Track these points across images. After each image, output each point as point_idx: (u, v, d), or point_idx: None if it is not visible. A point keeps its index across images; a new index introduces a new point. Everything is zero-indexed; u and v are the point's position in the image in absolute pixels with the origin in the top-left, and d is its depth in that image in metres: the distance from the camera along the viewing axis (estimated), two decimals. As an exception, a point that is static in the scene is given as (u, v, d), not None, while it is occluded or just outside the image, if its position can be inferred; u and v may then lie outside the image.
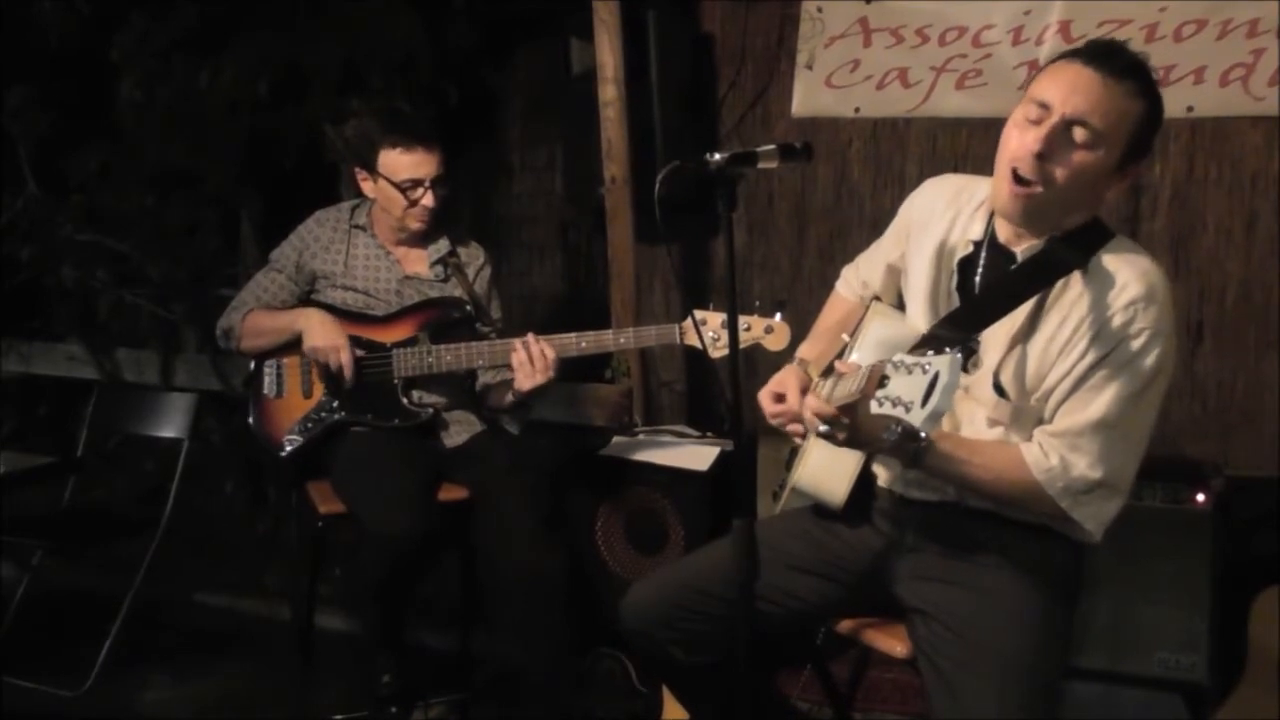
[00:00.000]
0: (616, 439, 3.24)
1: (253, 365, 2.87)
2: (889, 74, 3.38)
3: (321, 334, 2.74)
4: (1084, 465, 1.77)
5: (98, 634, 3.19)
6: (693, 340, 2.56)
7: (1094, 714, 2.68)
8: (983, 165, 1.84)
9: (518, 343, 2.65)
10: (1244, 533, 2.75)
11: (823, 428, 1.76)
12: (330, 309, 2.82)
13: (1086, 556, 1.95)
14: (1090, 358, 1.76)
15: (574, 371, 2.92)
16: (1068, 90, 1.71)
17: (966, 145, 3.30)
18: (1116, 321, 1.74)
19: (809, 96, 3.51)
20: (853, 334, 2.08)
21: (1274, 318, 3.02)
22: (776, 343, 2.53)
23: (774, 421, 2.00)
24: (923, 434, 1.46)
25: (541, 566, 2.61)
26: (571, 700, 2.75)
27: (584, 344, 2.67)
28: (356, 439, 2.78)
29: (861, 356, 1.98)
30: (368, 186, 2.84)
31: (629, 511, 3.08)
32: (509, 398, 2.75)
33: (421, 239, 2.90)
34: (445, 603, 3.29)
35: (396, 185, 2.77)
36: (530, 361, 2.63)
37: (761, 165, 1.73)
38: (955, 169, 2.77)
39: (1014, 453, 1.81)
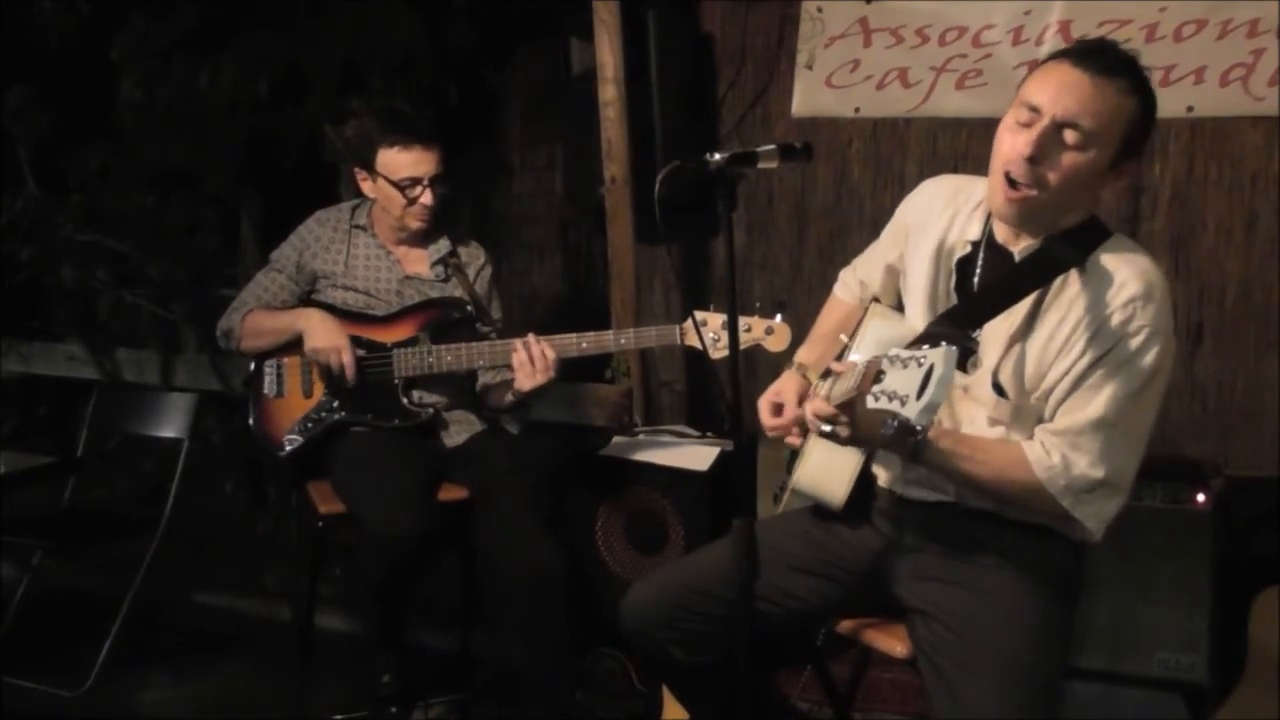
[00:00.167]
0: (616, 439, 3.24)
1: (253, 365, 2.87)
2: (889, 74, 3.38)
3: (323, 334, 2.74)
4: (1085, 464, 1.77)
5: (98, 634, 3.19)
6: (693, 341, 2.57)
7: (1094, 714, 2.68)
8: (983, 165, 1.84)
9: (518, 343, 2.65)
10: (1244, 533, 2.75)
11: (825, 428, 1.76)
12: (331, 309, 2.82)
13: (1086, 556, 1.95)
14: (1089, 356, 1.76)
15: (574, 371, 2.92)
16: (1057, 92, 1.71)
17: (966, 145, 3.30)
18: (1115, 320, 1.74)
19: (809, 96, 3.51)
20: (851, 335, 2.08)
21: (1274, 318, 3.02)
22: (777, 344, 2.53)
23: (771, 433, 2.01)
24: (918, 427, 1.46)
25: (541, 566, 2.61)
26: (571, 700, 2.75)
27: (584, 344, 2.67)
28: (356, 439, 2.78)
29: (861, 357, 1.97)
30: (367, 186, 2.84)
31: (629, 511, 3.08)
32: (509, 397, 2.76)
33: (422, 239, 2.90)
34: (445, 603, 3.29)
35: (395, 184, 2.77)
36: (530, 362, 2.63)
37: (761, 165, 1.73)
38: (955, 169, 2.78)
39: (1016, 451, 1.81)
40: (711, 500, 2.94)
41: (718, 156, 1.68)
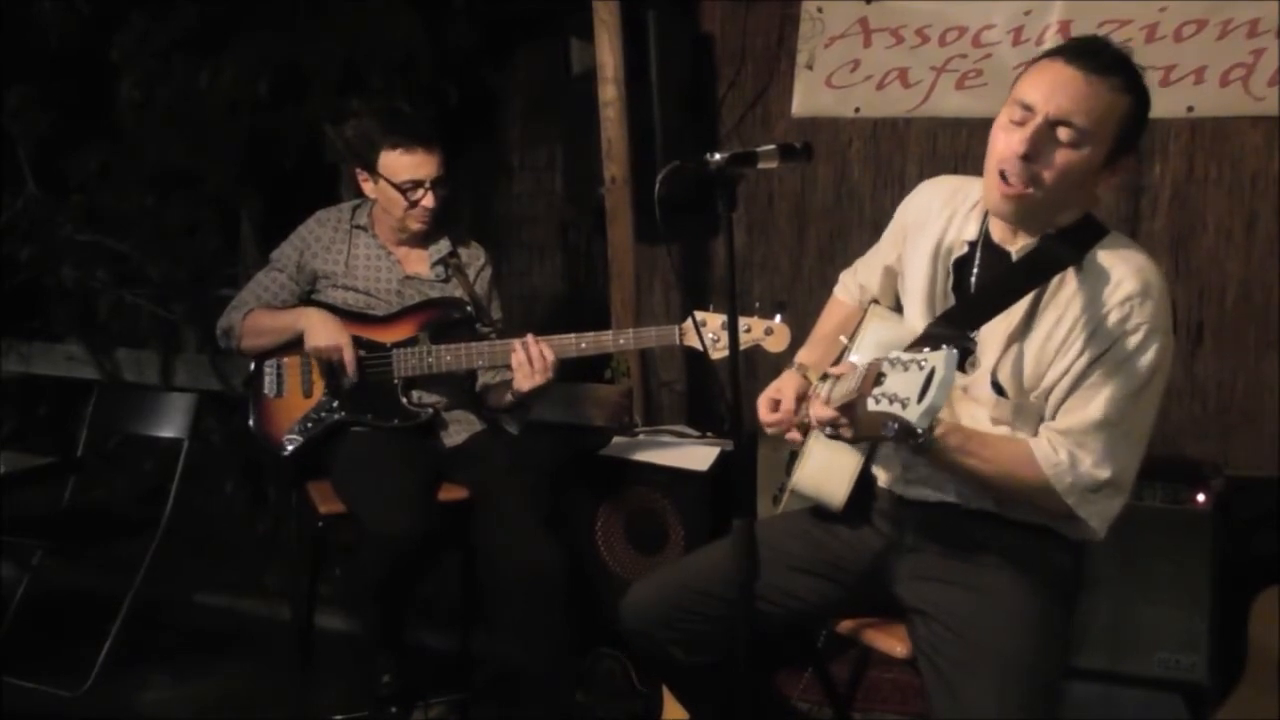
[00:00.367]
0: (616, 439, 3.24)
1: (253, 365, 2.87)
2: (889, 74, 3.38)
3: (324, 333, 2.74)
4: (1090, 464, 1.77)
5: (98, 634, 3.19)
6: (693, 342, 2.56)
7: (1094, 714, 2.68)
8: (982, 165, 1.84)
9: (517, 343, 2.65)
10: (1244, 533, 2.75)
11: (827, 430, 1.76)
12: (331, 309, 2.82)
13: (1086, 557, 1.95)
14: (1088, 355, 1.76)
15: (574, 371, 2.92)
16: (1050, 90, 1.71)
17: (966, 145, 3.30)
18: (1113, 318, 1.74)
19: (809, 96, 3.51)
20: (851, 336, 2.08)
21: (1274, 318, 3.02)
22: (776, 344, 2.53)
23: (770, 430, 2.01)
24: (919, 430, 1.46)
25: (541, 566, 2.61)
26: (571, 700, 2.75)
27: (584, 345, 2.67)
28: (356, 439, 2.78)
29: (860, 358, 1.98)
30: (368, 187, 2.84)
31: (629, 511, 3.08)
32: (509, 397, 2.76)
33: (422, 239, 2.90)
34: (445, 603, 3.29)
35: (396, 186, 2.77)
36: (529, 362, 2.63)
37: (761, 165, 1.73)
38: (955, 169, 2.77)
39: (1023, 447, 1.81)
40: (711, 500, 2.94)
41: (718, 156, 1.68)
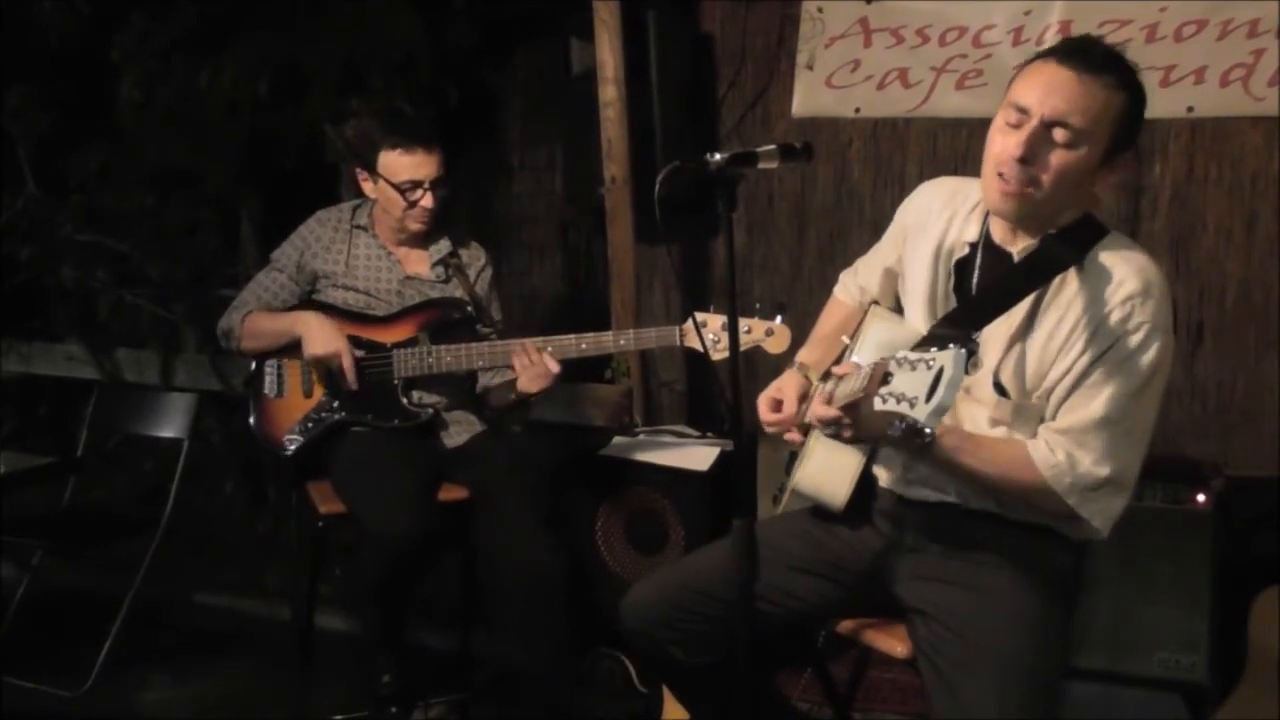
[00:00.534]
0: (616, 439, 3.24)
1: (253, 365, 2.87)
2: (889, 74, 3.38)
3: (322, 340, 2.73)
4: (1090, 462, 1.77)
5: (98, 634, 3.19)
6: (693, 342, 2.56)
7: (1094, 714, 2.68)
8: (982, 166, 1.84)
9: (518, 348, 2.65)
10: (1244, 533, 2.75)
11: (828, 430, 1.76)
12: (331, 309, 2.82)
13: (1087, 557, 1.95)
14: (1090, 354, 1.76)
15: (574, 371, 2.92)
16: (1044, 92, 1.71)
17: (967, 145, 3.30)
18: (1114, 317, 1.74)
19: (809, 96, 3.51)
20: (852, 336, 2.08)
21: (1274, 318, 3.02)
22: (777, 345, 2.53)
23: (770, 430, 2.01)
24: (927, 429, 1.46)
25: (541, 566, 2.61)
26: (571, 700, 2.75)
27: (584, 345, 2.67)
28: (356, 439, 2.78)
29: (861, 359, 1.98)
30: (368, 187, 2.84)
31: (629, 511, 3.08)
32: (511, 397, 2.76)
33: (423, 239, 2.90)
34: (445, 603, 3.29)
35: (396, 186, 2.77)
36: (533, 365, 2.64)
37: (761, 165, 1.73)
38: (955, 169, 2.77)
39: (1020, 449, 1.81)
40: (711, 500, 2.94)
41: (718, 156, 1.68)
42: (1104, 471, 1.77)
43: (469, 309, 2.84)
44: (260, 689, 3.15)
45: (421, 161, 2.76)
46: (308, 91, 3.68)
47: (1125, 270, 1.76)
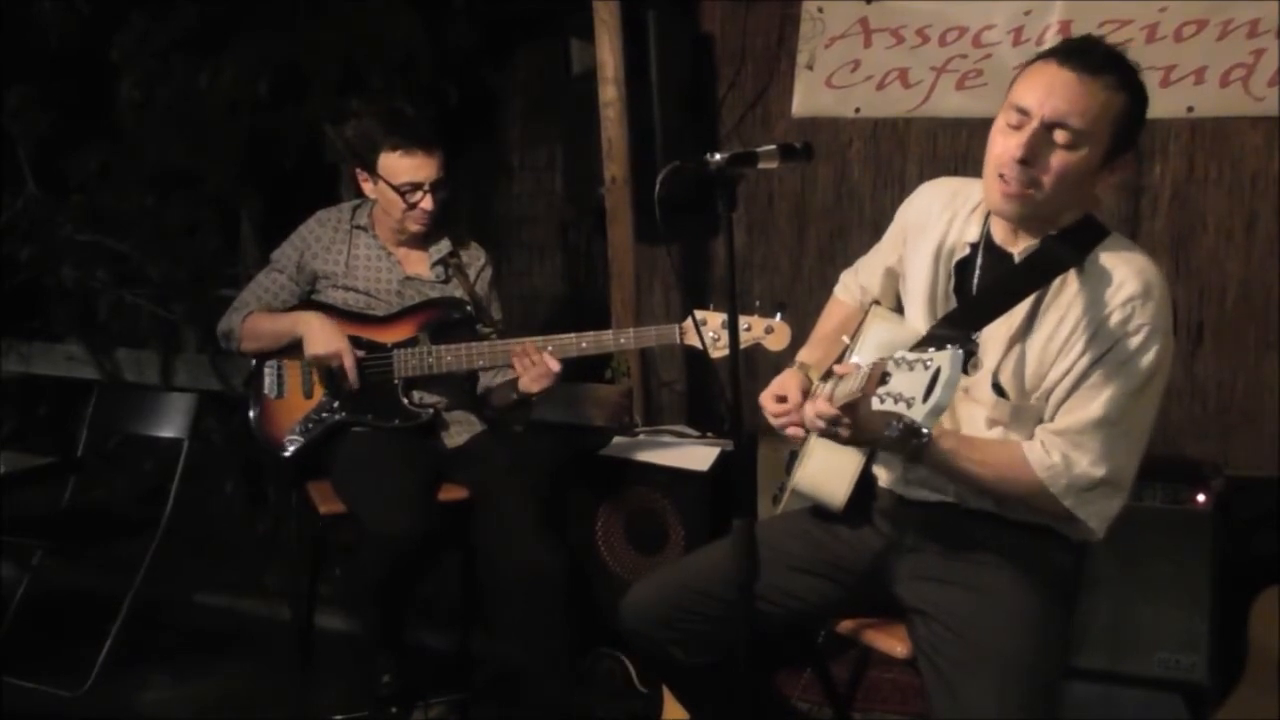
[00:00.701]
0: (616, 439, 3.24)
1: (254, 365, 2.87)
2: (889, 74, 3.38)
3: (322, 341, 2.73)
4: (1086, 463, 1.77)
5: (98, 634, 3.19)
6: (693, 340, 2.56)
7: (1094, 714, 2.68)
8: (983, 166, 1.84)
9: (520, 350, 2.65)
10: (1244, 533, 2.75)
11: (823, 425, 1.76)
12: (331, 309, 2.82)
13: (1086, 557, 1.95)
14: (1089, 356, 1.76)
15: (574, 371, 2.92)
16: (1044, 93, 1.71)
17: (967, 145, 3.30)
18: (1114, 319, 1.74)
19: (809, 96, 3.51)
20: (853, 336, 2.08)
21: (1274, 318, 3.02)
22: (777, 343, 2.53)
23: (776, 423, 2.01)
24: (924, 429, 1.47)
25: (541, 566, 2.61)
26: (571, 700, 2.75)
27: (584, 344, 2.67)
28: (357, 439, 2.78)
29: (862, 359, 1.98)
30: (368, 187, 2.84)
31: (629, 511, 3.08)
32: (513, 396, 2.76)
33: (422, 240, 2.90)
34: (445, 603, 3.29)
35: (396, 188, 2.77)
36: (534, 365, 2.64)
37: (761, 165, 1.73)
38: (955, 169, 2.78)
39: (1016, 451, 1.81)
40: (711, 500, 2.94)
41: (718, 157, 1.68)
42: (1100, 472, 1.77)
43: (469, 309, 2.84)
44: (260, 689, 3.15)
45: (422, 163, 2.76)
46: (308, 91, 3.68)
47: (1126, 272, 1.76)
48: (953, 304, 1.92)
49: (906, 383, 1.48)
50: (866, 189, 3.50)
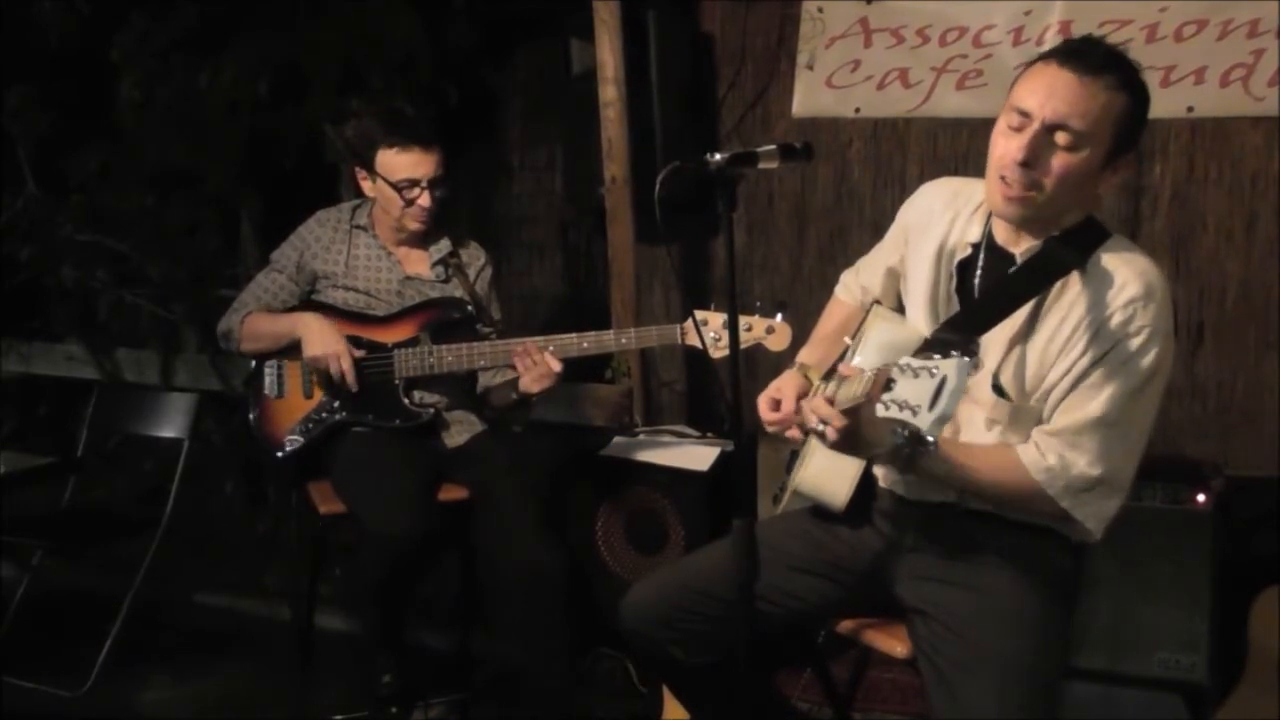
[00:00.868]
0: (616, 439, 3.24)
1: (253, 365, 2.87)
2: (889, 74, 3.38)
3: (321, 342, 2.73)
4: (1083, 463, 1.77)
5: (98, 634, 3.19)
6: (693, 341, 2.56)
7: (1094, 714, 2.68)
8: (983, 166, 1.84)
9: (521, 350, 2.65)
10: (1244, 533, 2.75)
11: (817, 425, 1.75)
12: (331, 309, 2.81)
13: (1086, 557, 1.95)
14: (1089, 356, 1.76)
15: (574, 371, 2.92)
16: (1045, 95, 1.71)
17: (967, 146, 3.30)
18: (1115, 320, 1.74)
19: (809, 96, 3.51)
20: (854, 337, 2.08)
21: (1274, 318, 3.02)
22: (777, 343, 2.54)
23: (770, 429, 2.01)
24: (930, 438, 1.46)
25: (541, 566, 2.61)
26: (571, 700, 2.75)
27: (585, 344, 2.68)
28: (357, 439, 2.78)
29: (863, 359, 1.98)
30: (367, 186, 2.84)
31: (629, 511, 3.08)
32: (513, 396, 2.76)
33: (422, 239, 2.90)
34: (445, 603, 3.29)
35: (393, 185, 2.77)
36: (535, 365, 2.64)
37: (762, 165, 1.73)
38: (956, 170, 2.78)
39: (1011, 455, 1.81)
40: (711, 500, 2.94)
41: (718, 157, 1.68)
42: (1097, 472, 1.77)
43: (469, 309, 2.84)
44: (260, 689, 3.15)
45: (419, 160, 2.76)
46: (308, 91, 3.68)
47: (1127, 274, 1.76)
48: (954, 304, 1.92)
49: (911, 390, 1.47)
50: (867, 189, 3.50)
